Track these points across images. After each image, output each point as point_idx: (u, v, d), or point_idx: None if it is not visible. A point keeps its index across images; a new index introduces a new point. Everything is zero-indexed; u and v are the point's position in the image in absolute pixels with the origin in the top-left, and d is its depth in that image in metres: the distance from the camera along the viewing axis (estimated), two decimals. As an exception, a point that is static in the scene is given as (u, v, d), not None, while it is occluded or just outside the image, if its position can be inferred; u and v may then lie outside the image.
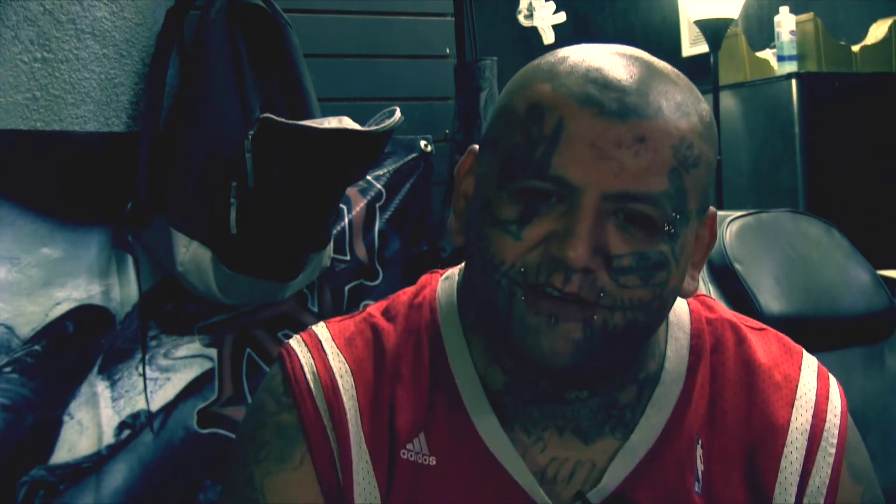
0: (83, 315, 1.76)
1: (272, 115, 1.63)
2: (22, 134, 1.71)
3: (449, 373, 0.90)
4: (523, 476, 0.87)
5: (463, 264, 0.93)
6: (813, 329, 1.62)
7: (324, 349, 0.93)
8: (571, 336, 0.80)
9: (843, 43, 3.50)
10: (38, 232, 1.72)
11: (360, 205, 2.02)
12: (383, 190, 2.04)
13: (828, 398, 0.93)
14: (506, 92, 0.86)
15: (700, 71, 3.35)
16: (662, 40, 3.70)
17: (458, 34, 2.20)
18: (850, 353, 1.68)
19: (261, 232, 1.73)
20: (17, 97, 1.71)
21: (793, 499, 0.90)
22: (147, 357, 1.81)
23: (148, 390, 1.81)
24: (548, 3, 2.27)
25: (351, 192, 1.98)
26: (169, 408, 1.84)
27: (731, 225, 1.70)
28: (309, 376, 0.91)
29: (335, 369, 0.92)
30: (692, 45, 3.70)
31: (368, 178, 2.01)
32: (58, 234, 1.74)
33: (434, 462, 0.89)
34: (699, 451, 0.90)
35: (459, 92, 2.08)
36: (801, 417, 0.92)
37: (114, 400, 1.79)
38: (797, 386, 0.93)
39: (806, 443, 0.91)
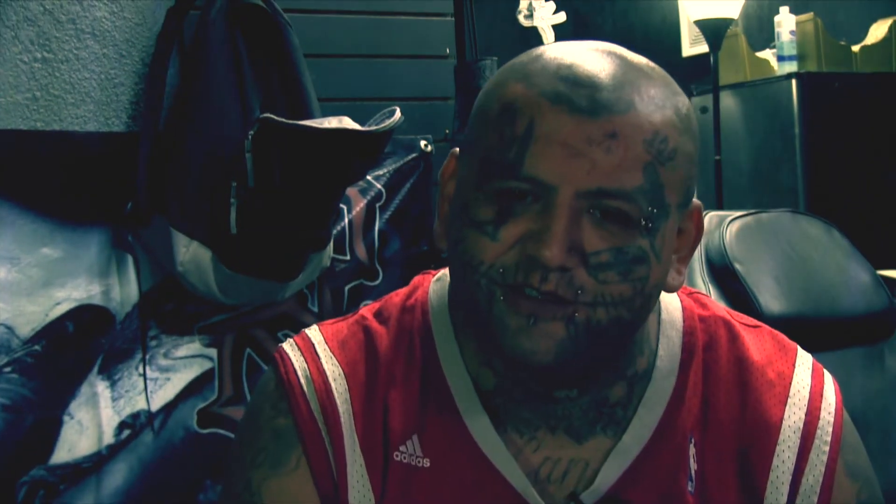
0: (83, 315, 1.76)
1: (272, 115, 1.63)
2: (22, 134, 1.71)
3: (441, 375, 0.91)
4: (516, 477, 0.88)
5: None
6: (813, 329, 1.62)
7: (317, 352, 0.93)
8: (554, 335, 0.80)
9: (843, 43, 3.50)
10: (38, 232, 1.72)
11: (360, 205, 2.02)
12: (383, 190, 2.04)
13: (822, 396, 0.93)
14: (482, 93, 0.86)
15: (700, 71, 3.35)
16: (662, 40, 3.71)
17: (458, 34, 2.20)
18: (850, 353, 1.68)
19: (261, 232, 1.73)
20: (17, 97, 1.71)
21: (784, 498, 0.89)
22: (147, 357, 1.81)
23: (148, 390, 1.81)
24: (548, 3, 2.27)
25: (351, 192, 1.98)
26: (169, 408, 1.84)
27: (731, 225, 1.70)
28: (302, 380, 0.92)
29: (328, 373, 0.92)
30: (692, 45, 3.70)
31: (368, 178, 2.01)
32: (58, 234, 1.74)
33: (428, 464, 0.89)
34: (692, 451, 0.90)
35: (459, 92, 2.08)
36: (794, 415, 0.91)
37: (114, 400, 1.79)
38: (791, 383, 0.93)
39: (799, 441, 0.91)
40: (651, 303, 0.84)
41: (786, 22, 3.41)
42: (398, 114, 1.72)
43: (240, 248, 1.73)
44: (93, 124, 1.78)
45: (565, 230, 0.78)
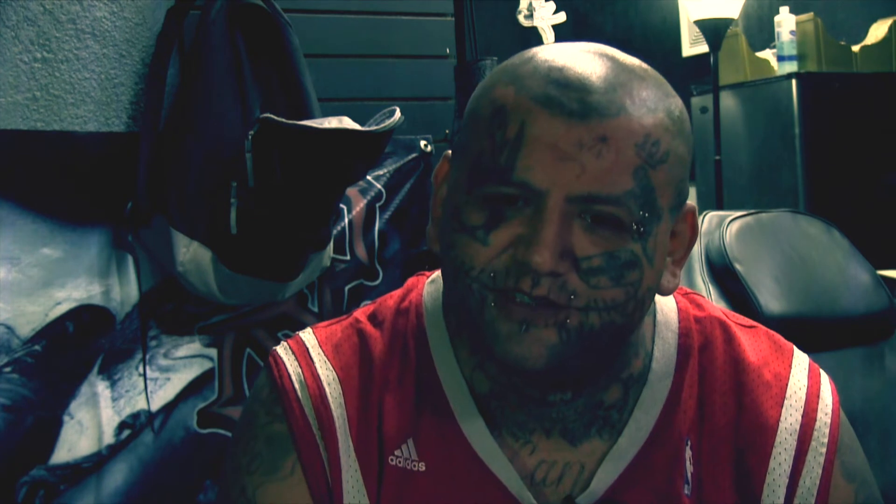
0: (83, 315, 1.76)
1: (272, 115, 1.63)
2: (22, 134, 1.71)
3: (436, 378, 0.90)
4: (512, 480, 0.87)
5: None
6: (813, 329, 1.62)
7: (311, 357, 0.93)
8: (546, 341, 0.79)
9: (843, 43, 3.51)
10: (38, 232, 1.72)
11: (360, 205, 2.02)
12: (383, 190, 2.04)
13: (819, 396, 0.92)
14: (474, 95, 0.86)
15: (700, 71, 3.35)
16: (662, 40, 3.71)
17: (458, 34, 2.20)
18: (850, 353, 1.68)
19: (261, 232, 1.73)
20: (17, 97, 1.71)
21: (781, 500, 0.89)
22: (147, 357, 1.81)
23: (148, 390, 1.81)
24: (548, 3, 2.27)
25: (351, 192, 1.98)
26: (169, 408, 1.84)
27: (731, 225, 1.69)
28: (297, 385, 0.91)
29: (323, 377, 0.91)
30: (692, 45, 3.70)
31: (368, 178, 2.01)
32: (58, 234, 1.74)
33: (423, 468, 0.88)
34: (688, 453, 0.89)
35: (459, 92, 2.08)
36: (790, 417, 0.91)
37: (114, 400, 1.79)
38: (787, 385, 0.92)
39: (795, 443, 0.90)
40: (644, 307, 0.83)
41: (786, 22, 3.41)
42: (398, 114, 1.72)
43: (240, 248, 1.73)
44: (93, 124, 1.78)
45: (556, 235, 0.77)
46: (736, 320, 0.96)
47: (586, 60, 0.81)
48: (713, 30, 3.15)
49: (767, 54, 3.55)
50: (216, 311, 1.87)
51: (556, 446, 0.89)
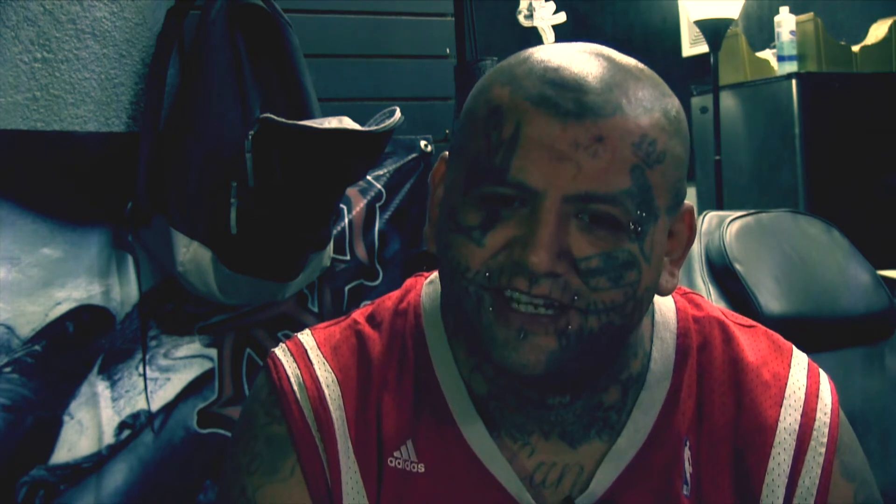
0: (83, 315, 1.76)
1: (272, 115, 1.63)
2: (22, 134, 1.71)
3: (434, 380, 0.90)
4: (511, 482, 0.87)
5: None
6: (813, 329, 1.62)
7: (309, 358, 0.93)
8: (545, 347, 0.79)
9: (843, 43, 3.51)
10: (38, 232, 1.72)
11: (360, 205, 2.02)
12: (383, 190, 2.04)
13: (818, 396, 0.92)
14: (470, 96, 0.85)
15: (700, 71, 3.35)
16: (662, 40, 3.71)
17: (458, 34, 2.20)
18: (850, 353, 1.68)
19: (261, 232, 1.73)
20: (17, 97, 1.71)
21: (780, 500, 0.89)
22: (147, 357, 1.81)
23: (148, 390, 1.81)
24: (548, 3, 2.27)
25: (351, 192, 1.98)
26: (169, 408, 1.84)
27: (731, 225, 1.70)
28: (295, 387, 0.91)
29: (321, 379, 0.91)
30: (692, 45, 3.70)
31: (368, 178, 2.01)
32: (58, 234, 1.74)
33: (422, 469, 0.88)
34: (687, 454, 0.89)
35: (459, 92, 2.08)
36: (789, 417, 0.90)
37: (114, 400, 1.79)
38: (786, 385, 0.92)
39: (794, 443, 0.90)
40: (643, 307, 0.83)
41: (786, 22, 3.41)
42: (398, 114, 1.72)
43: (240, 248, 1.73)
44: (93, 124, 1.78)
45: (552, 235, 0.77)
46: (735, 320, 0.96)
47: (582, 60, 0.80)
48: (713, 30, 3.15)
49: (767, 54, 3.55)
50: (216, 311, 1.87)
51: (555, 448, 0.88)
